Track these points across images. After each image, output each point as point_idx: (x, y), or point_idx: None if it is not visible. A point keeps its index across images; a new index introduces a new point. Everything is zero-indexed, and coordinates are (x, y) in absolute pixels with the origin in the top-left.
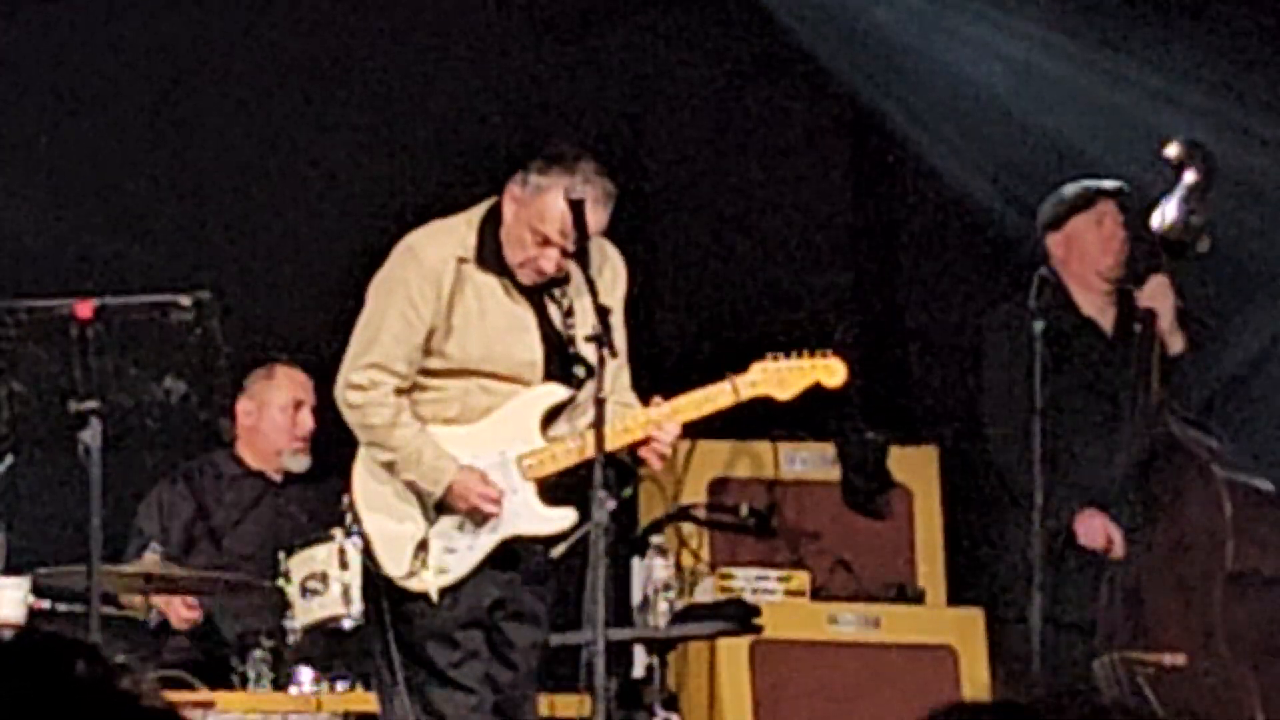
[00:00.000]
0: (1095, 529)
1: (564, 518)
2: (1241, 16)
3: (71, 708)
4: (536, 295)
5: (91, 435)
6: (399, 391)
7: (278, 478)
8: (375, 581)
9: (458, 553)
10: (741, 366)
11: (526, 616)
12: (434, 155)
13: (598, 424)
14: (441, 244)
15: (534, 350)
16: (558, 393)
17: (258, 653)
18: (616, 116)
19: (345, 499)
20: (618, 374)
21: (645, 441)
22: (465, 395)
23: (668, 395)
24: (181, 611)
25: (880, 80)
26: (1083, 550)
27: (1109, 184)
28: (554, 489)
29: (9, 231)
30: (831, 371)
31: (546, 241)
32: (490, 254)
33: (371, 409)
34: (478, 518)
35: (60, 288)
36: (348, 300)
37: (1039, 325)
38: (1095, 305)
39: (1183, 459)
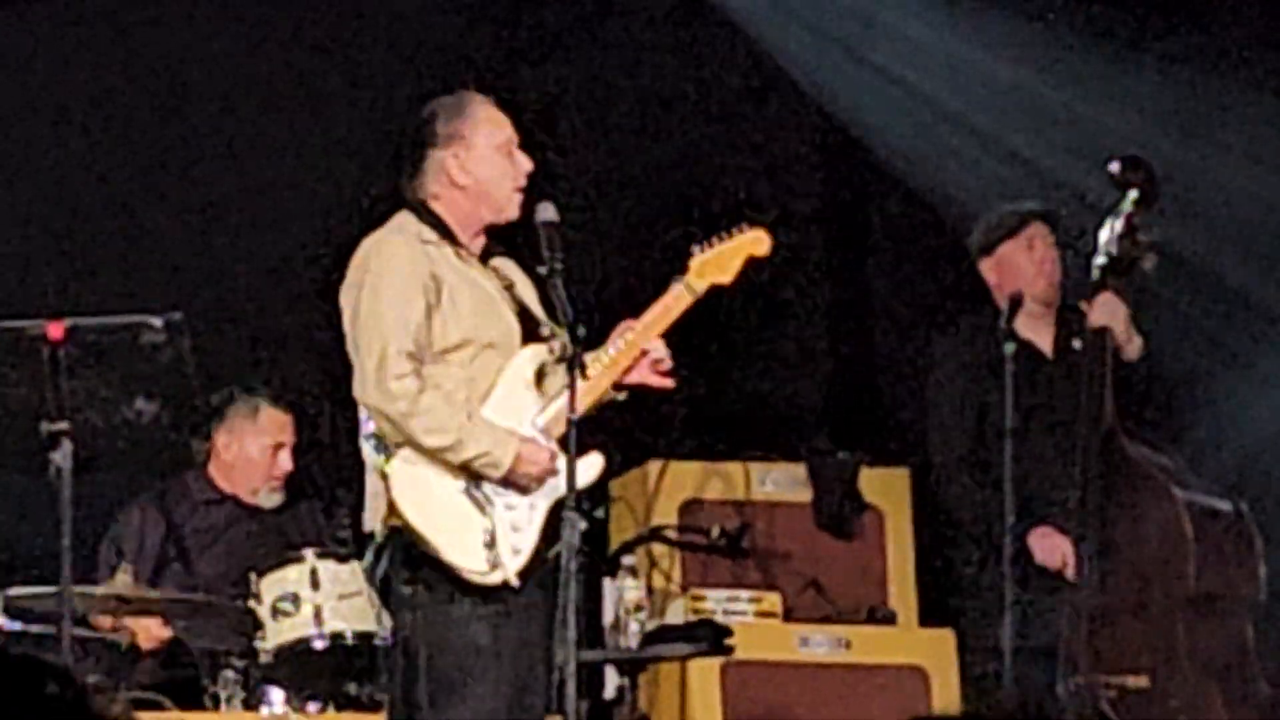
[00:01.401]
0: (1051, 547)
1: (593, 464)
2: (1207, 24)
3: None
4: (485, 265)
5: (62, 456)
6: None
7: (250, 501)
8: (408, 598)
9: (522, 530)
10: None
11: (547, 633)
12: None
13: (570, 424)
14: (401, 234)
15: (510, 315)
16: (540, 353)
17: (229, 673)
18: (597, 138)
19: (383, 527)
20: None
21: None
22: (470, 383)
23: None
24: (153, 630)
25: (856, 104)
26: (1042, 573)
27: (1036, 206)
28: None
29: None
30: (759, 242)
31: (514, 142)
32: (444, 230)
33: (425, 395)
34: (539, 485)
35: (32, 308)
36: (322, 322)
37: (1010, 347)
38: (1032, 328)
39: (1140, 481)
